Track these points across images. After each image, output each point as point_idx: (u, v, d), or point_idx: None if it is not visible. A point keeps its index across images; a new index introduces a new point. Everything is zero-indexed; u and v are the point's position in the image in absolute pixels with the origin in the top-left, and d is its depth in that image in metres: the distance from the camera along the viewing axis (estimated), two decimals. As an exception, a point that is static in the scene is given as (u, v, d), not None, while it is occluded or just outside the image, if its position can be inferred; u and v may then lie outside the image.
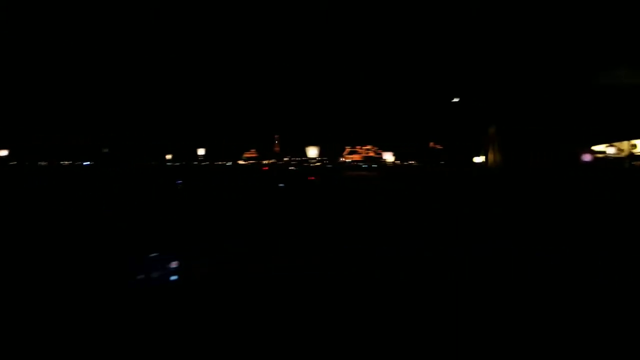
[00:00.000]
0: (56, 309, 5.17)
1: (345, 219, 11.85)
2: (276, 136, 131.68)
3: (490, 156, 44.20)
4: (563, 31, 32.05)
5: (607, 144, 33.88)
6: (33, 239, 9.04)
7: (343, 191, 21.87)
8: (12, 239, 9.12)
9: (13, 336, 4.52)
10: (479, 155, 50.28)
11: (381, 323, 4.74)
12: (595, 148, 34.21)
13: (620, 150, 34.29)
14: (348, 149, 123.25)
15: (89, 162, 75.41)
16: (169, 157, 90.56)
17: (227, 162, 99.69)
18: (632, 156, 34.01)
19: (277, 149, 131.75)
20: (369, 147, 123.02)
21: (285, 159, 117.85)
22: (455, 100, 48.18)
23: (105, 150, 76.63)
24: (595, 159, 33.13)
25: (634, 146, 34.12)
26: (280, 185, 25.11)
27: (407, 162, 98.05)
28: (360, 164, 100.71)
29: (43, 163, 71.97)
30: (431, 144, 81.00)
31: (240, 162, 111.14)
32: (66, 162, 76.16)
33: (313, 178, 59.14)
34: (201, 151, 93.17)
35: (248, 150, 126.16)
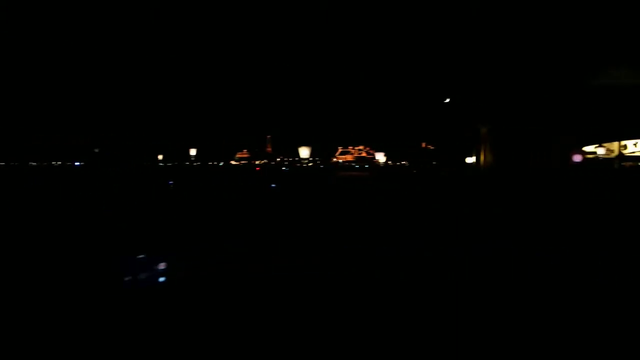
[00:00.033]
0: (51, 309, 5.14)
1: (342, 219, 11.82)
2: (268, 136, 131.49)
3: (482, 156, 44.41)
4: (554, 32, 32.31)
5: (597, 145, 34.14)
6: (25, 240, 8.97)
7: (337, 192, 21.82)
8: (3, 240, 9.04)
9: (7, 336, 4.51)
10: (470, 156, 50.50)
11: (381, 323, 4.74)
12: (586, 149, 34.47)
13: (610, 150, 34.56)
14: (340, 149, 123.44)
15: (79, 163, 74.71)
16: (160, 157, 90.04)
17: (219, 162, 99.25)
18: (621, 157, 34.32)
19: (269, 149, 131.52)
20: (361, 147, 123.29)
21: (277, 159, 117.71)
22: (447, 100, 48.36)
23: (96, 150, 76.05)
24: (586, 160, 33.38)
25: (624, 147, 34.42)
26: (272, 185, 25.06)
27: (399, 162, 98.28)
28: (353, 164, 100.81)
29: (33, 163, 71.21)
30: (423, 144, 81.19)
31: (233, 162, 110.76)
32: (58, 163, 75.43)
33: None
34: (193, 151, 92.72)
35: (240, 150, 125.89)
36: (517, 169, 32.24)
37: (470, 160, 50.57)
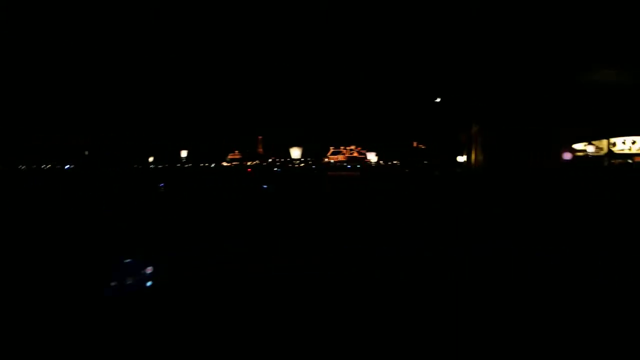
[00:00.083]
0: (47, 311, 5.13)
1: (339, 220, 11.83)
2: (259, 137, 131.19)
3: (473, 155, 44.65)
4: (542, 32, 32.61)
5: (587, 143, 34.49)
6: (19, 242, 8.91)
7: (332, 193, 21.84)
8: None
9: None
10: (461, 155, 50.76)
11: (381, 323, 4.75)
12: (576, 147, 34.80)
13: (599, 148, 34.94)
14: (332, 149, 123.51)
15: (69, 166, 74.03)
16: (151, 159, 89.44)
17: (210, 163, 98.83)
18: (610, 154, 34.69)
19: (260, 150, 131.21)
20: (352, 147, 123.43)
21: (269, 160, 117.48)
22: (438, 100, 48.57)
23: (87, 152, 75.47)
24: (575, 158, 33.69)
25: (613, 144, 34.81)
26: (264, 186, 25.01)
27: (390, 162, 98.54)
28: (345, 164, 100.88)
29: (22, 167, 70.44)
30: (414, 143, 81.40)
31: (224, 163, 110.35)
32: (47, 166, 74.70)
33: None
34: (184, 153, 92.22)
35: (231, 151, 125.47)
36: (507, 168, 32.43)
37: (462, 159, 50.85)
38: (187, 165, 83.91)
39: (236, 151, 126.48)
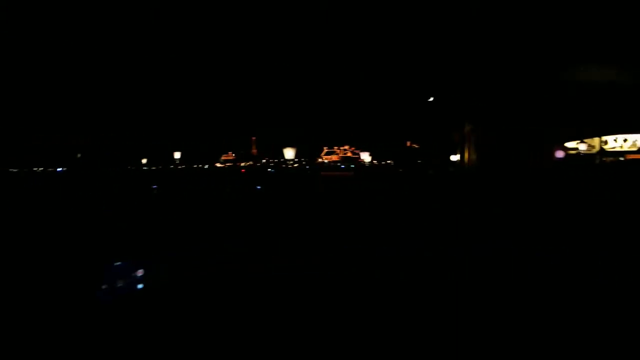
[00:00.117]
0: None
1: (335, 220, 11.84)
2: (253, 138, 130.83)
3: (466, 154, 44.80)
4: (533, 30, 32.79)
5: (579, 141, 34.72)
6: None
7: (327, 193, 21.83)
8: None
9: None
10: (455, 154, 50.90)
11: (381, 323, 4.74)
12: (568, 145, 35.01)
13: (591, 146, 35.19)
14: (325, 149, 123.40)
15: (61, 169, 73.41)
16: (144, 160, 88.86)
17: (204, 165, 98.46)
18: (602, 152, 34.97)
19: (254, 151, 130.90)
20: (346, 147, 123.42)
21: (263, 160, 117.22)
22: (431, 99, 48.68)
23: (79, 155, 74.86)
24: (568, 156, 33.90)
25: (605, 142, 35.08)
26: (258, 187, 24.99)
27: (384, 161, 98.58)
28: (338, 164, 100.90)
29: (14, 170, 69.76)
30: (408, 143, 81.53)
31: (218, 164, 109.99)
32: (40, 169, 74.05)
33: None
34: (177, 154, 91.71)
35: (225, 152, 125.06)
36: (500, 166, 32.55)
37: (455, 158, 50.98)
38: (180, 167, 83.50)
39: (230, 152, 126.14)
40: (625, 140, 34.61)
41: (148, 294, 5.71)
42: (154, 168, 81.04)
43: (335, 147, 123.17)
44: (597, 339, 4.38)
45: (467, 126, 42.82)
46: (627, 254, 7.56)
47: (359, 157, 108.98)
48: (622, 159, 34.57)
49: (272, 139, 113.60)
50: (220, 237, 9.34)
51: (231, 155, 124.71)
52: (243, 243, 8.56)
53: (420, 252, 7.77)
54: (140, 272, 5.92)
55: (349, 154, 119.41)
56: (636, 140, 34.44)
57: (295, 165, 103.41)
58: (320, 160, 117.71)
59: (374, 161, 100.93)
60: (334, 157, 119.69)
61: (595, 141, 35.17)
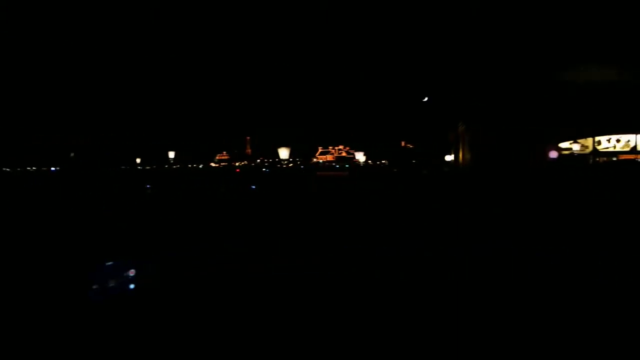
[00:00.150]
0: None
1: (331, 220, 11.81)
2: (247, 138, 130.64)
3: (460, 154, 44.97)
4: (530, 31, 32.99)
5: (572, 141, 34.94)
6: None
7: (323, 193, 21.82)
8: None
9: None
10: (449, 154, 51.08)
11: (381, 323, 4.75)
12: (561, 145, 35.23)
13: (584, 147, 35.43)
14: (320, 149, 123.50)
15: (54, 168, 72.89)
16: (138, 160, 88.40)
17: (199, 164, 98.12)
18: (596, 152, 35.22)
19: (248, 150, 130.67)
20: (340, 147, 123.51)
21: (257, 160, 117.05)
22: (425, 99, 48.82)
23: (72, 154, 74.42)
24: (561, 156, 34.10)
25: (598, 143, 35.35)
26: (252, 187, 24.97)
27: (378, 161, 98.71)
28: (333, 163, 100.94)
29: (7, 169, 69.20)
30: (402, 143, 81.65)
31: (212, 164, 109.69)
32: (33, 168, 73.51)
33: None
34: (171, 154, 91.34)
35: (219, 152, 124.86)
36: (494, 166, 32.67)
37: (449, 158, 51.16)
38: (175, 166, 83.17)
39: (224, 152, 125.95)
40: (618, 141, 34.89)
41: (140, 294, 5.68)
42: (148, 168, 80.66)
43: (330, 147, 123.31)
44: (597, 339, 4.40)
45: (461, 126, 43.00)
46: (626, 254, 7.59)
47: (354, 157, 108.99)
48: (615, 159, 34.85)
49: (266, 138, 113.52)
50: (217, 237, 9.30)
51: (226, 155, 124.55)
52: (243, 243, 8.54)
53: (420, 252, 7.76)
54: (132, 272, 5.89)
55: (344, 154, 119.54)
56: (629, 141, 34.73)
57: (290, 165, 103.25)
58: (315, 160, 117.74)
59: (369, 161, 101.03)
60: (329, 157, 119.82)
61: (589, 141, 35.42)
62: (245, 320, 4.89)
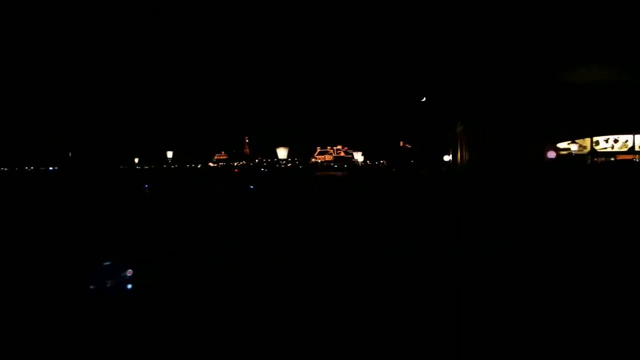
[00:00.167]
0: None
1: (329, 220, 11.79)
2: (246, 138, 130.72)
3: (459, 154, 45.08)
4: (529, 33, 33.08)
5: (570, 142, 35.05)
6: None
7: (321, 193, 21.81)
8: None
9: None
10: (447, 154, 51.20)
11: (381, 323, 4.75)
12: (559, 145, 35.33)
13: (582, 147, 35.55)
14: (319, 149, 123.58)
15: (52, 168, 72.79)
16: (136, 160, 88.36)
17: (197, 164, 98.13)
18: (593, 152, 35.33)
19: (247, 150, 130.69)
20: (339, 147, 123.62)
21: (256, 160, 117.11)
22: (423, 100, 48.94)
23: (70, 154, 74.39)
24: (560, 156, 34.19)
25: (596, 143, 35.48)
26: (251, 187, 24.97)
27: (377, 161, 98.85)
28: (331, 163, 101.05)
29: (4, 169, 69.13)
30: (401, 143, 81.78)
31: (211, 164, 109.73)
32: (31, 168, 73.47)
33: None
34: (169, 154, 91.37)
35: (218, 152, 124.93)
36: (492, 166, 32.73)
37: (448, 158, 51.27)
38: (173, 166, 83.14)
39: (223, 152, 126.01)
40: (616, 141, 35.01)
41: (138, 294, 5.66)
42: (146, 167, 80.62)
43: (329, 147, 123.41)
44: (597, 339, 4.42)
45: (459, 126, 43.09)
46: (626, 254, 7.60)
47: (352, 157, 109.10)
48: (612, 159, 34.97)
49: (264, 138, 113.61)
50: (216, 237, 9.27)
51: (224, 155, 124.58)
52: (242, 243, 8.52)
53: (420, 252, 7.76)
54: (129, 272, 5.87)
55: (342, 154, 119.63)
56: (627, 141, 34.84)
57: (289, 165, 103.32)
58: (313, 160, 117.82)
59: (367, 161, 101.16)
60: (327, 157, 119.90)
61: (587, 142, 35.54)
62: (245, 320, 4.89)
